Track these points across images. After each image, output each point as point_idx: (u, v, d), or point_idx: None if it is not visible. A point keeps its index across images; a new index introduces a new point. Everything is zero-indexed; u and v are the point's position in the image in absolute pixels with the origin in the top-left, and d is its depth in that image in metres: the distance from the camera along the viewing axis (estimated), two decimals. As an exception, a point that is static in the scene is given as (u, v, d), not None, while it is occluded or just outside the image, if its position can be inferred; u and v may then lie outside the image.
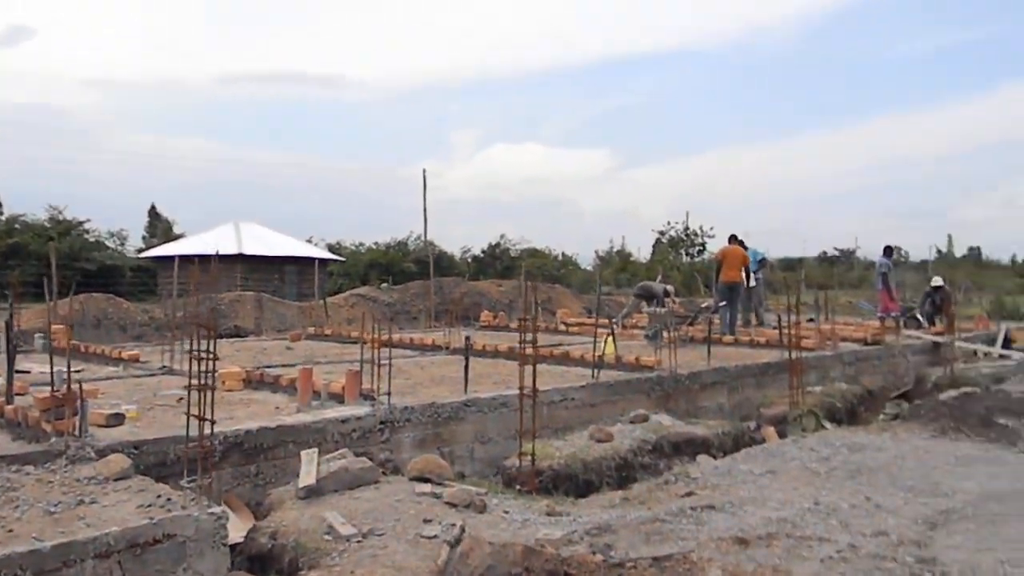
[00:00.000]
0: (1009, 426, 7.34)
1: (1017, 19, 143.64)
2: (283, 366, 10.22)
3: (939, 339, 15.91)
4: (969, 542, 4.32)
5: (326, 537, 4.61)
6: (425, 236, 40.98)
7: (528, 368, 6.28)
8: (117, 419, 6.09)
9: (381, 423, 6.93)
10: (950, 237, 62.77)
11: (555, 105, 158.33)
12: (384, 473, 6.01)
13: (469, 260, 42.86)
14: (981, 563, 3.97)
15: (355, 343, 13.55)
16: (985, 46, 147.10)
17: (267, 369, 9.22)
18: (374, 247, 40.91)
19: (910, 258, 46.28)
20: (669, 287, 16.38)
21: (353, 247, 42.15)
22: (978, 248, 69.35)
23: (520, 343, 6.62)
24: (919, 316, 18.60)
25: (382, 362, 7.40)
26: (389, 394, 7.12)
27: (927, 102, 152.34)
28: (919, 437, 6.94)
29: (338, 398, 7.32)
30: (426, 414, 7.26)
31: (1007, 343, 16.67)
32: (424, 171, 38.16)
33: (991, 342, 16.64)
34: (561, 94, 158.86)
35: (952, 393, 9.80)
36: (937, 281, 19.37)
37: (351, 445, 6.44)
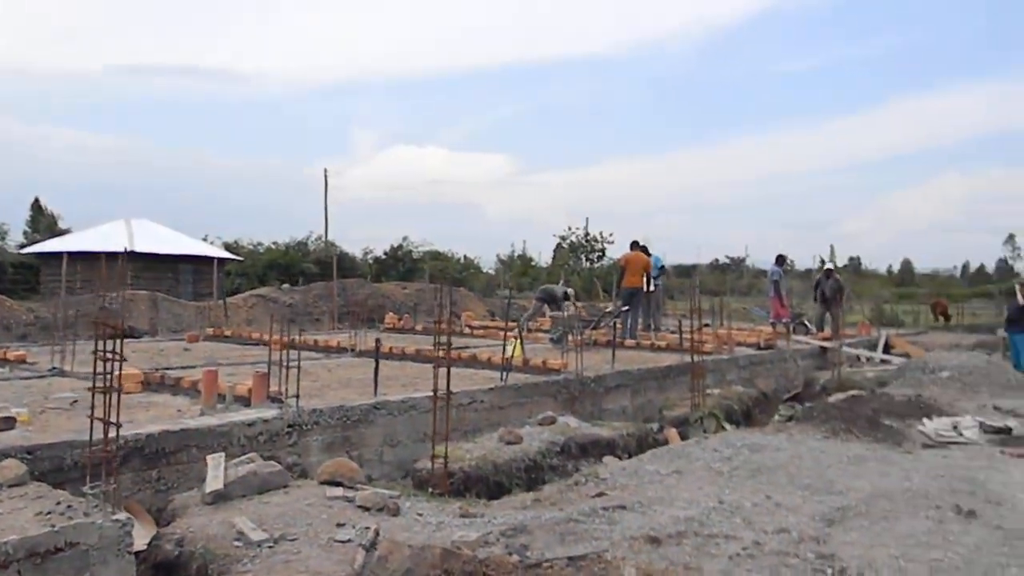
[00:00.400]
0: (894, 427, 7.76)
1: (899, 40, 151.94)
2: (183, 368, 9.90)
3: (826, 344, 16.68)
4: (864, 538, 4.55)
5: (236, 543, 4.50)
6: (326, 236, 40.35)
7: (442, 370, 6.27)
8: (7, 423, 5.80)
9: (289, 426, 6.80)
10: (832, 247, 65.92)
11: (457, 109, 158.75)
12: (293, 477, 5.91)
13: (371, 262, 42.37)
14: (876, 558, 4.20)
15: (257, 344, 13.28)
16: (870, 65, 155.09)
17: (167, 371, 8.93)
18: (273, 247, 39.95)
19: (795, 267, 48.38)
20: (569, 290, 16.65)
21: (251, 246, 41.05)
22: (858, 258, 73.05)
23: (435, 345, 6.61)
24: (807, 322, 19.46)
25: (290, 364, 7.27)
26: (298, 396, 7.00)
27: (813, 118, 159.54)
28: (813, 438, 7.26)
29: (244, 401, 7.16)
30: (335, 417, 7.17)
31: (887, 348, 17.62)
32: (325, 171, 37.57)
33: (873, 348, 17.56)
34: (463, 98, 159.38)
35: (841, 396, 10.30)
36: (830, 265, 20.31)
37: (258, 449, 6.31)
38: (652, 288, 16.36)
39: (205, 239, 36.78)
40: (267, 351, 8.32)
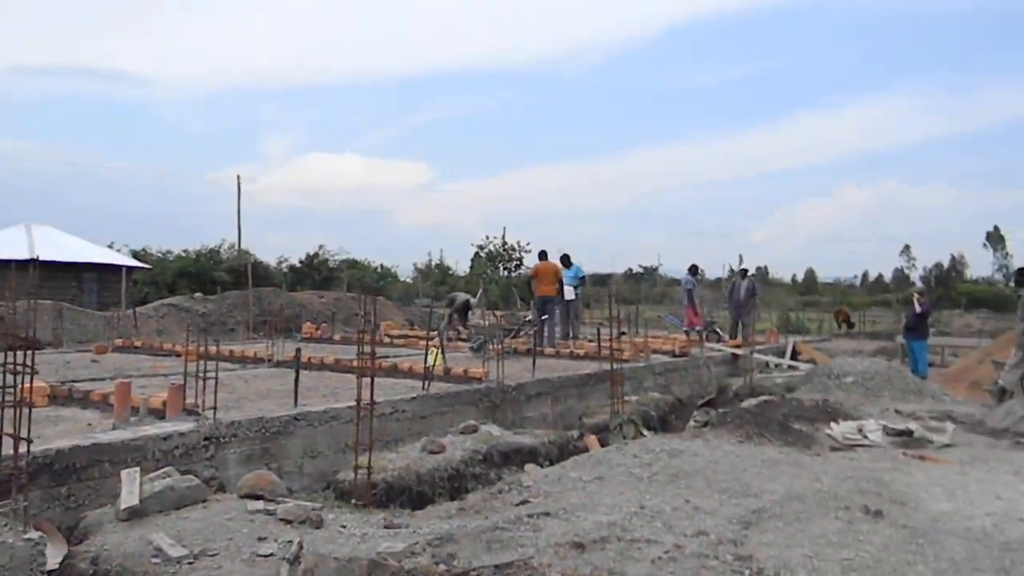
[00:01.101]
0: (804, 431, 8.05)
1: (799, 57, 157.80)
2: (91, 380, 9.56)
3: (737, 351, 17.19)
4: (779, 539, 4.71)
5: (154, 560, 4.39)
6: (239, 244, 39.35)
7: (365, 380, 6.23)
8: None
9: (206, 439, 6.65)
10: (740, 256, 67.41)
11: (373, 116, 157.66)
12: (211, 491, 5.78)
13: (286, 270, 41.63)
14: (791, 558, 4.36)
15: (170, 356, 12.92)
16: (773, 81, 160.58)
17: (74, 384, 8.61)
18: (183, 255, 38.83)
19: (707, 276, 49.64)
20: (473, 300, 16.83)
21: (160, 254, 39.83)
22: (765, 267, 75.21)
23: (358, 355, 6.56)
24: (718, 330, 19.99)
25: (206, 375, 7.11)
26: (215, 409, 6.85)
27: (719, 130, 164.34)
28: (728, 442, 7.47)
29: (158, 414, 6.97)
30: (253, 429, 7.04)
31: (794, 355, 18.25)
32: (238, 177, 36.62)
33: (781, 354, 18.16)
34: (379, 105, 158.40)
35: (753, 401, 10.62)
36: (744, 267, 20.93)
37: (174, 463, 6.15)
38: (572, 297, 16.56)
39: (111, 246, 35.55)
40: (181, 362, 8.12)
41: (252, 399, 8.49)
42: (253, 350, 13.05)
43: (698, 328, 18.69)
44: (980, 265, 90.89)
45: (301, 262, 42.51)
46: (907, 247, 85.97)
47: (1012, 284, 12.04)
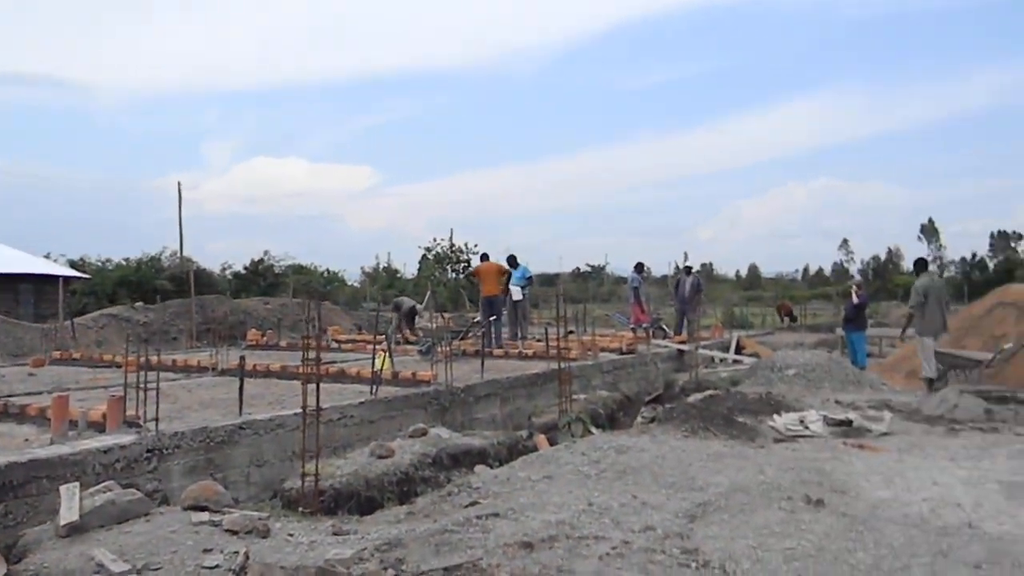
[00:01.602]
0: (748, 424, 8.20)
1: (740, 57, 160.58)
2: (28, 394, 9.31)
3: (683, 347, 17.41)
4: (724, 531, 4.80)
5: (96, 576, 4.29)
6: (181, 252, 38.60)
7: (311, 386, 6.18)
8: None
9: (148, 451, 6.53)
10: (686, 254, 68.24)
11: (317, 120, 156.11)
12: (155, 504, 5.68)
13: (231, 277, 40.93)
14: (736, 549, 4.44)
15: (110, 367, 12.63)
16: (718, 79, 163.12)
17: (9, 398, 8.37)
18: (123, 263, 37.92)
19: (653, 273, 50.25)
20: (418, 305, 16.83)
21: (99, 263, 38.83)
22: (710, 264, 76.36)
23: (303, 361, 6.50)
24: (664, 327, 20.23)
25: (147, 386, 6.97)
26: (157, 420, 6.73)
27: (663, 130, 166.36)
28: (675, 437, 7.58)
29: (98, 427, 6.82)
30: (197, 439, 6.93)
31: (739, 349, 18.56)
32: (179, 184, 35.93)
33: (726, 349, 18.45)
34: (322, 109, 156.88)
35: (698, 396, 10.78)
36: (690, 264, 21.26)
37: (116, 477, 6.03)
38: (520, 297, 16.61)
39: (48, 256, 34.55)
40: (121, 373, 7.95)
41: (196, 409, 8.35)
42: (196, 359, 12.82)
43: (645, 325, 18.89)
44: (915, 257, 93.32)
45: (246, 268, 41.85)
46: (845, 241, 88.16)
47: (914, 273, 13.03)
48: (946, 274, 71.90)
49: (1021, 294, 14.33)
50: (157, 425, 6.72)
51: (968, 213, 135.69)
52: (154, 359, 7.46)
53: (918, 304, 11.70)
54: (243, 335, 17.97)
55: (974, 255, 72.45)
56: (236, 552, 4.50)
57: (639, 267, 20.56)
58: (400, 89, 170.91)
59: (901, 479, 6.09)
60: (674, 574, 4.08)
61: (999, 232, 76.68)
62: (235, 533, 5.01)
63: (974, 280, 56.86)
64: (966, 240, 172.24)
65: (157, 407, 6.78)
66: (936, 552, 4.43)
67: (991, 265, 67.03)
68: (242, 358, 8.35)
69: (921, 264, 13.02)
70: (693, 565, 4.21)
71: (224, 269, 42.37)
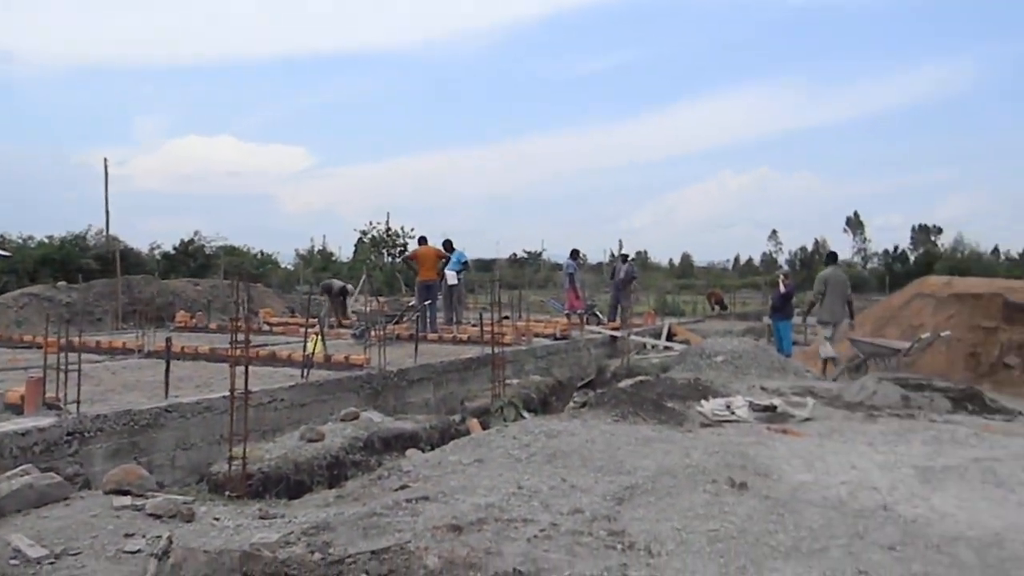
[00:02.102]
0: (676, 409, 8.35)
1: (679, 45, 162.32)
2: (-59, 376, 8.96)
3: (616, 333, 17.63)
4: (650, 513, 4.88)
5: (12, 562, 4.16)
6: (108, 230, 37.31)
7: (239, 369, 6.08)
8: None
9: (69, 434, 6.36)
10: (621, 242, 69.18)
11: (250, 98, 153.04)
12: (75, 488, 5.53)
13: (159, 257, 39.90)
14: (661, 531, 4.52)
15: (30, 348, 12.22)
16: (653, 69, 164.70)
17: (-80, 380, 8.05)
18: (46, 241, 36.62)
19: (588, 260, 50.71)
20: (349, 286, 16.72)
21: (20, 241, 37.43)
22: (644, 252, 77.37)
23: (231, 343, 6.40)
24: (598, 313, 20.45)
25: (68, 368, 6.77)
26: (78, 402, 6.55)
27: (600, 119, 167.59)
28: (605, 422, 7.67)
29: (16, 409, 6.62)
30: (120, 422, 6.77)
31: (670, 336, 18.87)
32: (105, 160, 34.78)
33: (657, 336, 18.76)
34: (256, 87, 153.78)
35: (629, 381, 10.92)
36: (626, 252, 21.54)
37: (34, 460, 5.86)
38: (455, 282, 16.59)
39: (-36, 233, 33.21)
40: (41, 354, 7.70)
41: (120, 391, 8.16)
42: (122, 340, 12.51)
43: (579, 311, 19.06)
44: (841, 249, 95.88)
45: (175, 248, 40.84)
46: (775, 232, 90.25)
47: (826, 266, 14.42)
48: (869, 266, 74.30)
49: (938, 286, 14.88)
50: (79, 408, 6.55)
51: (891, 207, 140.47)
52: (76, 340, 7.25)
53: (818, 293, 12.78)
54: (171, 317, 17.59)
55: (896, 248, 74.87)
56: (159, 536, 4.41)
57: (574, 254, 20.72)
58: (336, 70, 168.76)
59: (821, 463, 6.27)
60: (600, 556, 4.14)
61: (920, 226, 79.38)
62: (158, 517, 4.92)
63: (896, 272, 58.76)
64: (889, 233, 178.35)
65: (79, 389, 6.60)
66: (853, 534, 4.58)
67: (912, 258, 69.29)
68: (168, 339, 8.17)
69: (831, 257, 14.29)
70: (619, 547, 4.27)
71: (153, 249, 41.29)
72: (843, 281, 13.25)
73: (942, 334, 12.77)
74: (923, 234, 78.05)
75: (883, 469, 6.14)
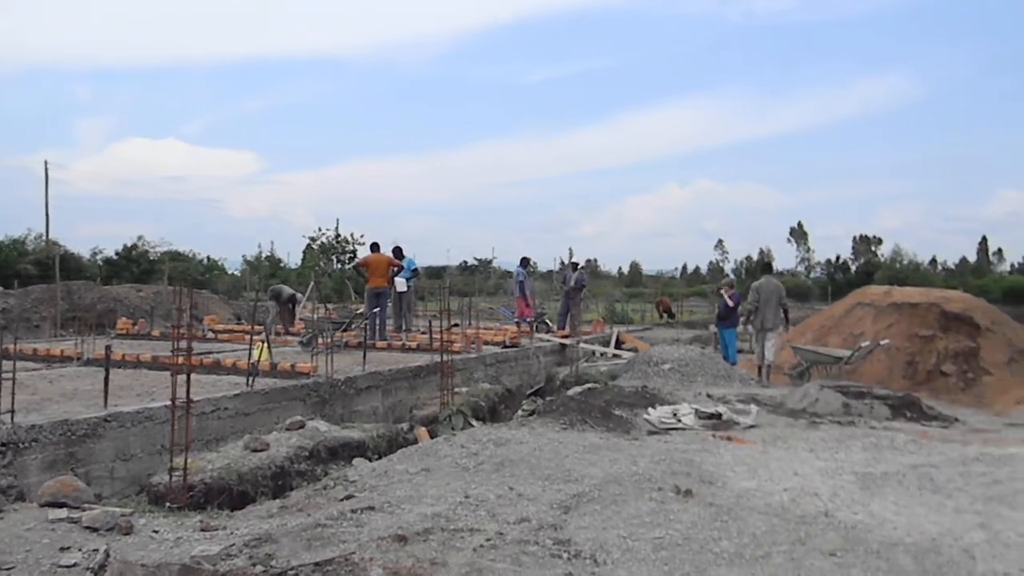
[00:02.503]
0: (624, 416, 8.41)
1: (627, 57, 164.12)
2: None
3: (565, 341, 17.69)
4: (597, 521, 4.91)
5: (-61, 578, 4.03)
6: (47, 235, 36.50)
7: (180, 378, 5.96)
8: None
9: (2, 445, 6.17)
10: (571, 250, 69.53)
11: (196, 102, 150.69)
12: (8, 501, 5.37)
13: (101, 263, 38.96)
14: (607, 539, 4.55)
15: (-39, 355, 11.83)
16: (601, 81, 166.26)
17: None
18: (-18, 245, 35.53)
19: (538, 268, 50.76)
20: (299, 295, 16.56)
21: (-47, 246, 36.25)
22: (595, 259, 77.88)
23: (173, 351, 6.27)
24: (548, 321, 20.52)
25: (3, 376, 6.57)
26: (12, 412, 6.35)
27: (550, 128, 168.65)
28: (552, 430, 7.69)
29: (-55, 419, 6.38)
30: (57, 433, 6.58)
31: (619, 344, 19.00)
32: (46, 163, 33.91)
33: (606, 344, 18.86)
34: (201, 91, 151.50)
35: (578, 389, 10.98)
36: (577, 259, 21.68)
37: (-36, 473, 5.66)
38: (404, 289, 16.50)
39: None
40: (-26, 363, 7.46)
41: (57, 400, 7.93)
42: (60, 348, 12.17)
43: (529, 319, 19.09)
44: (785, 258, 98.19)
45: (118, 254, 39.90)
46: (720, 241, 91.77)
47: (758, 274, 15.40)
48: (813, 275, 75.78)
49: (878, 295, 15.25)
50: (12, 417, 6.34)
51: (834, 217, 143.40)
52: (11, 347, 7.04)
53: (753, 302, 13.28)
54: (113, 323, 17.17)
55: (838, 258, 76.54)
56: (96, 550, 4.30)
57: (524, 261, 20.75)
58: (285, 74, 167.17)
59: (765, 470, 6.38)
60: (546, 564, 4.15)
61: (861, 236, 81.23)
62: (95, 530, 4.80)
63: (838, 281, 60.05)
64: (832, 243, 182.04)
65: (13, 398, 6.40)
66: (795, 540, 4.66)
67: (853, 268, 70.85)
68: (107, 347, 7.97)
69: (764, 267, 15.33)
70: (565, 555, 4.29)
71: (95, 254, 40.28)
72: (776, 289, 13.65)
73: (882, 342, 13.08)
74: (864, 244, 79.91)
75: (824, 476, 6.26)
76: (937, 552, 4.51)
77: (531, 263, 23.01)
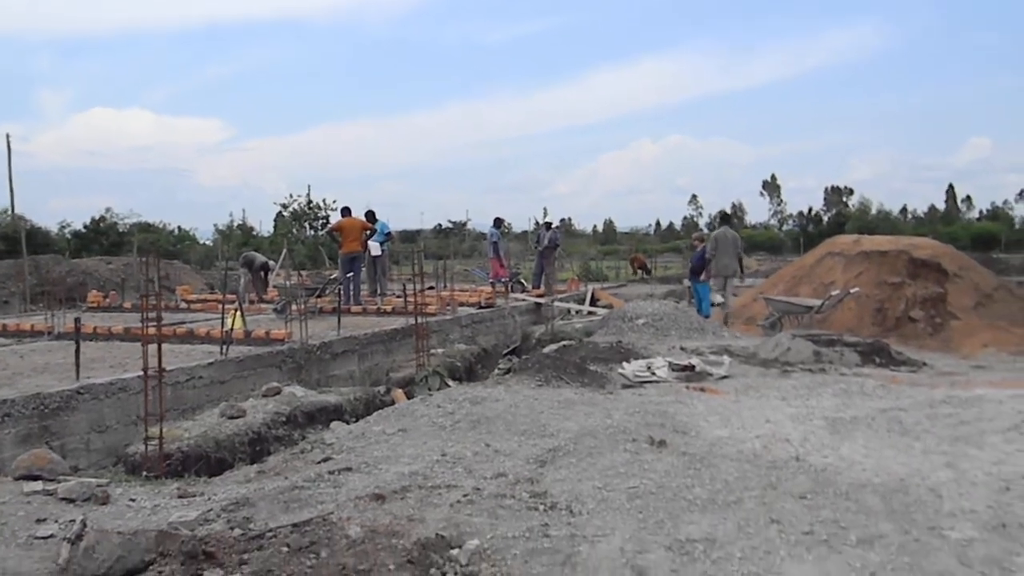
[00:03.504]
0: (599, 372, 8.48)
1: (596, 12, 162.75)
2: None
3: (540, 300, 17.76)
4: (572, 474, 4.97)
5: (-85, 554, 4.01)
6: (12, 209, 35.87)
7: (152, 347, 5.93)
8: None
9: (-27, 421, 6.12)
10: (545, 209, 69.44)
11: (159, 70, 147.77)
12: (-18, 476, 5.34)
13: (69, 236, 38.44)
14: (582, 491, 4.61)
15: (-71, 333, 11.67)
16: (571, 36, 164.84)
17: None
18: (-55, 222, 34.89)
19: (512, 228, 50.71)
20: (271, 262, 16.46)
21: (-84, 222, 35.57)
22: (569, 219, 77.85)
23: (143, 322, 6.22)
24: (522, 281, 20.56)
25: (-30, 352, 6.51)
26: (-18, 388, 6.31)
27: (521, 86, 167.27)
28: (528, 387, 7.74)
29: (-86, 397, 6.32)
30: (30, 407, 6.55)
31: (593, 301, 19.10)
32: (8, 135, 33.16)
33: (581, 301, 18.96)
34: (164, 58, 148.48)
35: (553, 347, 11.04)
36: (550, 219, 21.73)
37: (-64, 449, 5.62)
38: (378, 253, 16.43)
39: None
40: (-59, 339, 7.39)
41: (28, 375, 7.88)
42: (30, 323, 12.04)
43: (503, 279, 19.12)
44: (758, 212, 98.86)
45: (86, 227, 39.38)
46: (694, 196, 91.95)
47: (717, 225, 16.72)
48: (785, 227, 76.27)
49: (847, 244, 15.40)
50: (-17, 393, 6.30)
51: (806, 169, 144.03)
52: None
53: (712, 250, 14.18)
54: (83, 297, 16.99)
55: (810, 209, 76.95)
56: (72, 520, 4.30)
57: (497, 222, 20.73)
58: (246, 37, 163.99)
59: (737, 418, 6.47)
60: (522, 517, 4.20)
61: (832, 188, 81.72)
62: (72, 501, 4.79)
63: (810, 233, 60.47)
64: (804, 195, 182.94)
65: (-18, 374, 6.35)
66: (766, 485, 4.75)
67: (825, 219, 71.34)
68: (77, 319, 7.90)
69: (724, 218, 16.58)
70: (541, 507, 4.34)
71: (63, 228, 39.76)
72: (733, 239, 14.47)
73: (851, 291, 13.24)
74: (835, 195, 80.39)
75: (795, 422, 6.37)
76: (905, 492, 4.62)
77: (504, 223, 22.99)
